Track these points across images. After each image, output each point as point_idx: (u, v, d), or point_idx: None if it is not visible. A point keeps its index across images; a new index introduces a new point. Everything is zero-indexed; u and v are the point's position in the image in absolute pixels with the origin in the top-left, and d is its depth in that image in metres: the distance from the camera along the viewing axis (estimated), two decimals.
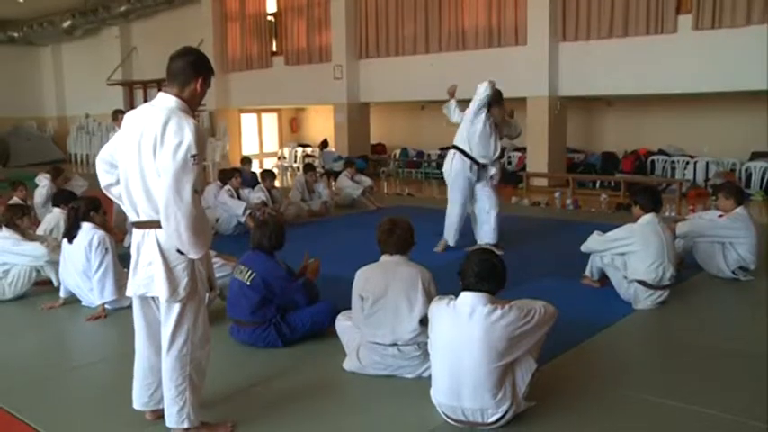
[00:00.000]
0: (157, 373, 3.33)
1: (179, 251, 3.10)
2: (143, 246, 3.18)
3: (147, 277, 3.17)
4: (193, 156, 3.00)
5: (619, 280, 5.55)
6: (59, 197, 7.06)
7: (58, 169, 9.44)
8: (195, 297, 3.23)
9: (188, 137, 3.00)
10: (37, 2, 20.38)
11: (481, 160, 7.23)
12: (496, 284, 3.39)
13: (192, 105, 3.22)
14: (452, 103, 7.67)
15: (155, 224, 3.11)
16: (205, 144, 3.14)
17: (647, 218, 5.42)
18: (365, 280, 4.05)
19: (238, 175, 9.30)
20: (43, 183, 9.03)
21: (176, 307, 3.17)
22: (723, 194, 6.28)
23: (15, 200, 7.73)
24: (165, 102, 3.16)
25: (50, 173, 9.20)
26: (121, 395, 3.61)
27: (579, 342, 4.59)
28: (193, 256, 3.11)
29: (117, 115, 9.28)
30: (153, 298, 3.28)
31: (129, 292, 3.32)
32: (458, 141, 7.34)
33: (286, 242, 4.81)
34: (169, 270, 3.12)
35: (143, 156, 3.09)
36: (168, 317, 3.19)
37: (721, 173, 11.91)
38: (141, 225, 3.19)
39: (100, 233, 5.48)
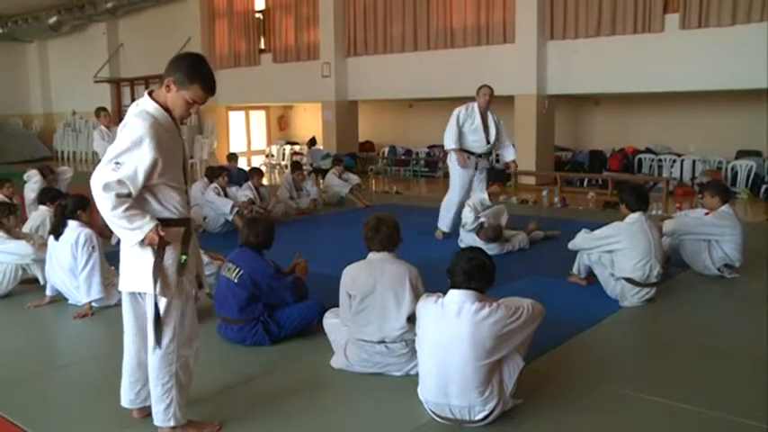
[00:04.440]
0: (145, 369, 3.31)
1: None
2: None
3: (137, 272, 3.15)
4: (117, 162, 2.98)
5: (606, 277, 5.57)
6: (46, 195, 7.02)
7: (47, 168, 9.38)
8: (181, 294, 3.21)
9: (125, 141, 3.00)
10: None
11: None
12: (485, 283, 3.39)
13: (168, 109, 3.13)
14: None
15: None
16: (155, 154, 3.00)
17: (635, 216, 5.45)
18: (353, 277, 4.05)
19: (226, 174, 9.26)
20: (34, 179, 8.97)
21: (162, 304, 3.15)
22: (709, 192, 6.32)
23: (1, 197, 7.66)
24: (143, 103, 3.14)
25: (41, 170, 9.15)
26: (108, 394, 3.60)
27: (566, 339, 4.60)
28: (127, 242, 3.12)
29: (100, 113, 9.23)
30: (141, 295, 3.26)
31: (120, 287, 3.30)
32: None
33: (274, 240, 4.80)
34: (158, 264, 3.10)
35: None
36: (154, 313, 3.18)
37: (707, 171, 11.99)
38: None
39: (86, 231, 5.45)
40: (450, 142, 7.80)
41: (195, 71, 3.10)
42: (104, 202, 3.01)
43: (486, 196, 7.45)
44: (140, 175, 3.00)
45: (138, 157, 3.00)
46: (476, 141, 7.82)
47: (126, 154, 2.99)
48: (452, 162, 7.93)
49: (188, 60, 3.14)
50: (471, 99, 7.97)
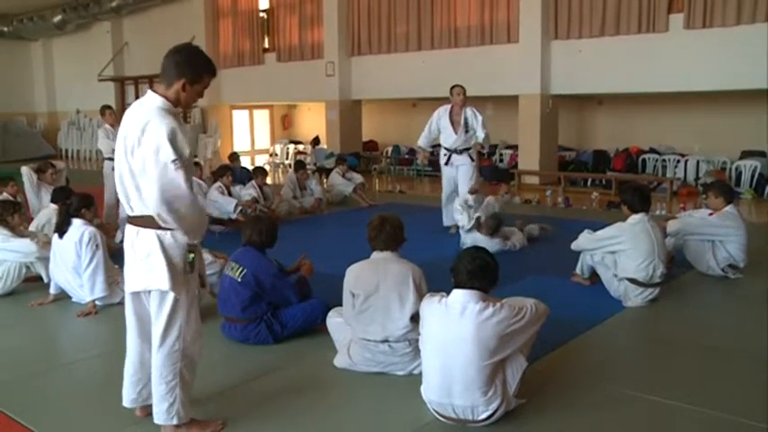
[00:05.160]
0: (147, 369, 3.32)
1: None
2: (137, 240, 3.16)
3: (146, 270, 3.13)
4: (174, 161, 2.99)
5: (609, 278, 5.57)
6: (58, 194, 6.98)
7: (47, 164, 9.37)
8: (188, 293, 3.21)
9: (164, 142, 2.99)
10: None
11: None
12: (488, 282, 3.39)
13: (178, 106, 3.17)
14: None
15: (149, 219, 3.10)
16: (187, 143, 3.07)
17: (638, 217, 5.44)
18: (356, 277, 4.06)
19: (230, 173, 9.27)
20: (25, 173, 8.98)
21: (169, 302, 3.15)
22: (713, 193, 6.31)
23: (6, 196, 7.67)
24: (151, 101, 3.14)
25: (35, 165, 9.15)
26: (112, 392, 3.60)
27: (569, 340, 4.60)
28: (192, 240, 3.15)
29: (105, 111, 9.24)
30: (145, 294, 3.26)
31: (127, 288, 3.29)
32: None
33: (277, 239, 4.80)
34: (170, 261, 3.10)
35: (128, 155, 3.10)
36: (160, 312, 3.17)
37: (712, 171, 11.97)
38: (136, 220, 3.17)
39: (91, 229, 5.46)
40: (419, 140, 8.69)
41: (201, 65, 3.20)
42: (190, 200, 3.06)
43: (468, 197, 7.72)
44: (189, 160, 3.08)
45: (181, 146, 3.03)
46: (447, 138, 8.34)
47: (173, 149, 2.99)
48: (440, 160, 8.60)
49: (188, 55, 3.18)
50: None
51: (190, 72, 3.14)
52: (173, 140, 3.01)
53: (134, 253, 3.18)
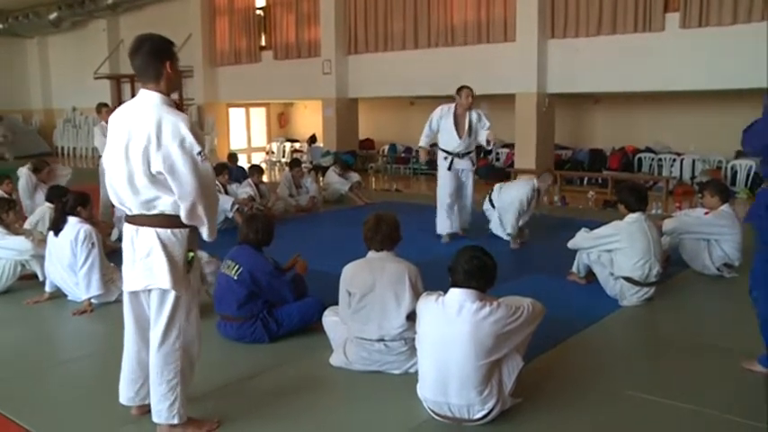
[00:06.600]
0: (145, 368, 3.31)
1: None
2: (137, 238, 3.13)
3: (147, 269, 3.11)
4: (199, 152, 3.02)
5: (605, 277, 5.57)
6: (53, 192, 6.97)
7: (42, 162, 9.35)
8: (189, 291, 3.21)
9: (187, 135, 3.00)
10: None
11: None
12: (486, 282, 3.39)
13: (171, 90, 3.18)
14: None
15: (147, 218, 3.09)
16: (200, 135, 3.12)
17: (634, 216, 5.45)
18: (352, 275, 4.06)
19: (226, 172, 9.26)
20: (23, 173, 8.96)
21: (170, 301, 3.14)
22: (709, 192, 6.32)
23: (1, 193, 7.66)
24: (149, 100, 3.10)
25: (32, 165, 9.13)
26: (108, 390, 3.60)
27: (565, 339, 4.61)
28: (207, 238, 3.20)
29: (101, 108, 9.23)
30: (144, 294, 3.24)
31: (127, 288, 3.26)
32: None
33: (273, 238, 4.80)
34: (171, 259, 3.09)
35: (131, 157, 3.04)
36: (161, 311, 3.16)
37: (707, 170, 11.99)
38: (134, 219, 3.15)
39: (86, 227, 5.45)
40: (420, 140, 8.05)
41: (169, 42, 3.21)
42: (214, 190, 3.19)
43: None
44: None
45: (201, 138, 3.08)
46: (449, 141, 7.81)
47: (197, 141, 3.03)
48: (438, 162, 8.04)
49: (154, 40, 3.16)
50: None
51: (167, 52, 3.16)
52: (194, 132, 3.03)
53: (133, 252, 3.15)
